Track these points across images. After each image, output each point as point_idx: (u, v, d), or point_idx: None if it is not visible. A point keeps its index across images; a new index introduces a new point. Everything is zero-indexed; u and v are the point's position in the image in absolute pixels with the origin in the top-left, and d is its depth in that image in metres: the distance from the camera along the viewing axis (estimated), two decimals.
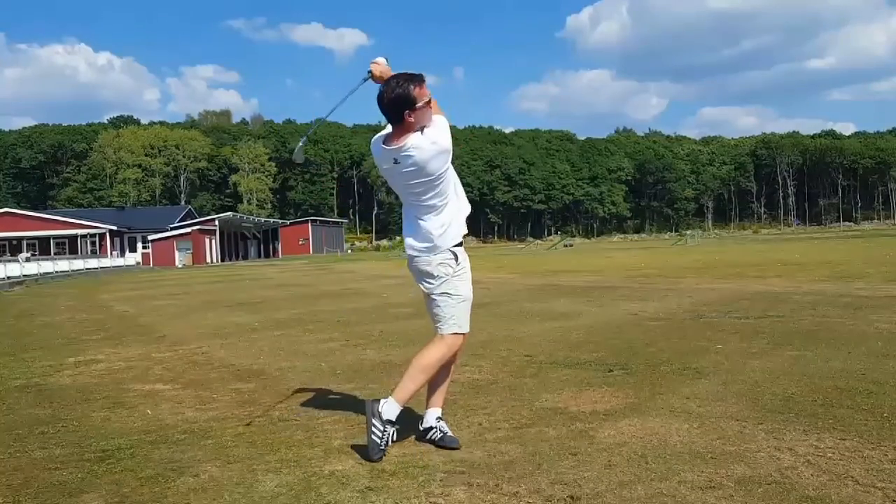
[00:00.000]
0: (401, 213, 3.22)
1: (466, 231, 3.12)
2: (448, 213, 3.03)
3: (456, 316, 3.06)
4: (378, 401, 2.96)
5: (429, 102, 2.94)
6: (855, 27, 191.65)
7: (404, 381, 3.01)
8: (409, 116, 2.90)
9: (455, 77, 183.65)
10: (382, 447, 2.88)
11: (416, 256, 3.08)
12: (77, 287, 21.74)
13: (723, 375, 4.22)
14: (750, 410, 3.39)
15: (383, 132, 3.07)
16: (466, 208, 3.13)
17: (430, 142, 2.91)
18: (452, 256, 3.04)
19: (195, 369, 5.29)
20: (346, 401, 3.94)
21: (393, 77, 2.99)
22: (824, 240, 41.94)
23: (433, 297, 3.08)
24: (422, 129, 2.93)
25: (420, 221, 3.04)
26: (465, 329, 3.11)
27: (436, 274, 3.04)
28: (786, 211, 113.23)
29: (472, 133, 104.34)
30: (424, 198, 3.00)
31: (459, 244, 3.07)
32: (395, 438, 2.95)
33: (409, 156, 2.90)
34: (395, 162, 2.96)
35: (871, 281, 10.61)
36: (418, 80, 2.93)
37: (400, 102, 2.89)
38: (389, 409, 2.92)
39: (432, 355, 3.04)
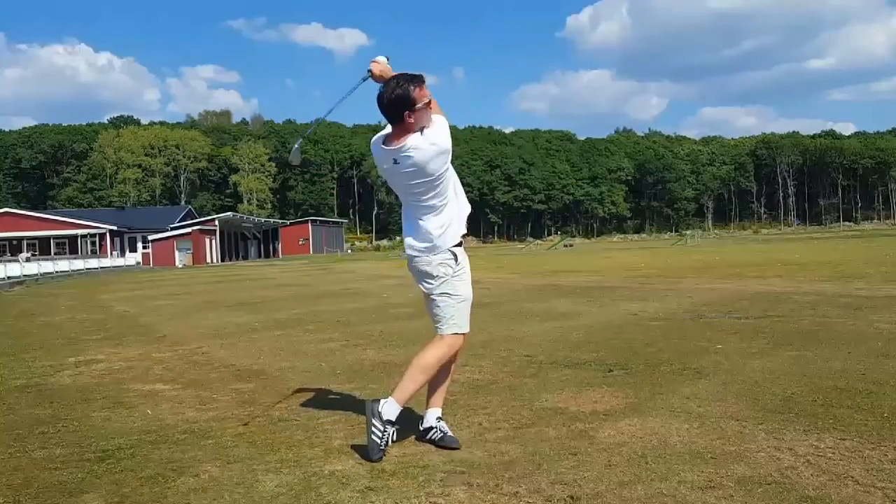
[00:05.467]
0: (401, 213, 3.22)
1: (466, 231, 3.12)
2: (448, 213, 3.03)
3: (456, 316, 3.06)
4: (378, 401, 2.96)
5: (429, 104, 2.95)
6: (855, 27, 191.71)
7: (404, 381, 3.02)
8: (409, 117, 2.91)
9: (455, 77, 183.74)
10: (382, 447, 2.88)
11: (415, 257, 3.08)
12: (77, 287, 21.73)
13: (723, 375, 4.22)
14: (750, 410, 3.39)
15: (383, 132, 3.07)
16: (466, 208, 3.13)
17: (430, 143, 2.91)
18: (452, 257, 3.04)
19: (195, 369, 5.29)
20: (346, 401, 3.94)
21: (393, 78, 2.99)
22: (824, 240, 41.93)
23: (433, 297, 3.08)
24: (421, 130, 2.93)
25: (420, 222, 3.04)
26: (465, 329, 3.11)
27: (435, 274, 3.05)
28: (786, 211, 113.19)
29: (472, 133, 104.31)
30: (424, 198, 3.00)
31: (459, 244, 3.08)
32: (395, 438, 2.95)
33: (409, 156, 2.91)
34: (395, 162, 2.96)
35: (871, 281, 10.60)
36: (418, 81, 2.94)
37: (399, 103, 2.90)
38: (389, 409, 2.92)
39: (432, 355, 3.04)
